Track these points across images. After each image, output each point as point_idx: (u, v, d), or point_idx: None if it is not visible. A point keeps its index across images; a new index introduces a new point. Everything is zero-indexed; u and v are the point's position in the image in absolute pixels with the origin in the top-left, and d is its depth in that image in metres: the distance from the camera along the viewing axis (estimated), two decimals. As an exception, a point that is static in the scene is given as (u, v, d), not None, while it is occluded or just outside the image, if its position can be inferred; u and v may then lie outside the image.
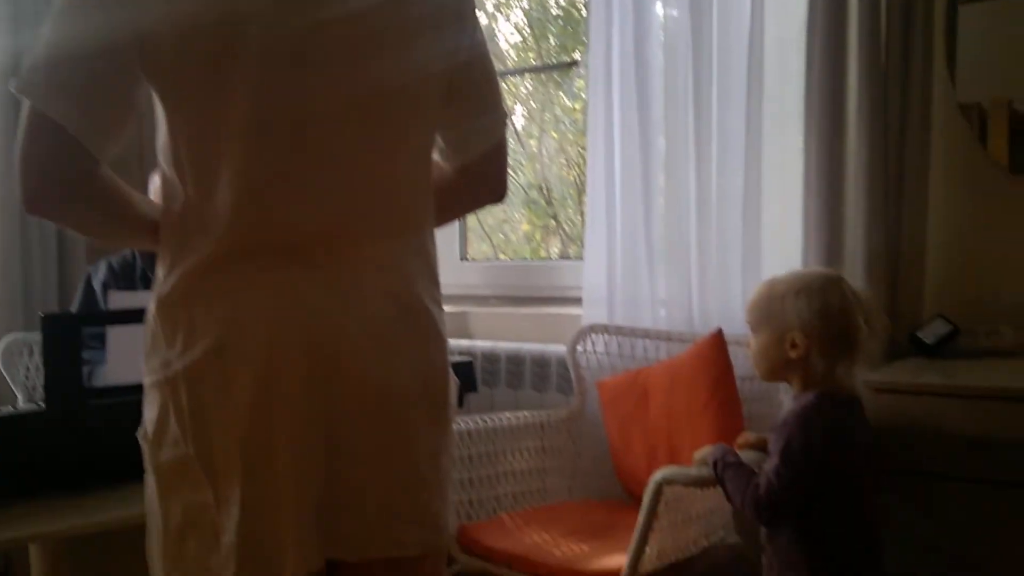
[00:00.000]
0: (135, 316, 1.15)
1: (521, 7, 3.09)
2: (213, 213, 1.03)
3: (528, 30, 3.09)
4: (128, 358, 1.71)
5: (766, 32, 2.14)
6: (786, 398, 1.87)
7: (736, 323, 2.02)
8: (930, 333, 1.92)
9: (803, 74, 2.03)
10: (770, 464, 1.48)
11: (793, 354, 1.53)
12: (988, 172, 2.04)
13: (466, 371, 2.21)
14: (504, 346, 2.55)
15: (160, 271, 1.08)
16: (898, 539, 1.66)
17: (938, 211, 2.05)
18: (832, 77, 1.99)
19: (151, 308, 1.07)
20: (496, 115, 1.24)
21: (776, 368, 1.58)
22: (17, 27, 2.79)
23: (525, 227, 3.19)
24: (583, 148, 2.70)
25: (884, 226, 1.94)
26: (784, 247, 2.12)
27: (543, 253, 3.13)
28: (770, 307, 1.57)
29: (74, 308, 2.48)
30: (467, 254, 3.08)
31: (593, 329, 2.30)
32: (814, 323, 1.52)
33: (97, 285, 2.44)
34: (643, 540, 1.63)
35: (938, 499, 1.64)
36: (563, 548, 1.85)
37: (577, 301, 2.47)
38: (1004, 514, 1.57)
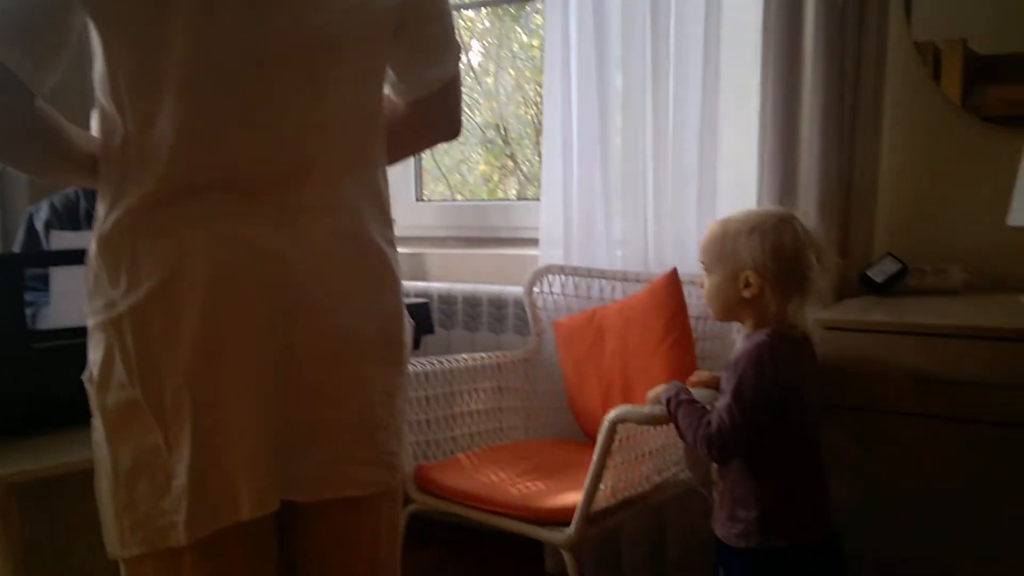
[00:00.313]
0: (79, 256, 1.12)
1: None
2: (154, 148, 0.99)
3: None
4: (73, 299, 1.67)
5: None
6: (739, 337, 1.90)
7: (691, 262, 2.03)
8: (879, 272, 1.95)
9: (760, 10, 2.02)
10: (722, 402, 1.51)
11: (747, 293, 1.54)
12: (941, 111, 2.06)
13: (422, 313, 2.20)
14: (461, 287, 2.54)
15: (101, 208, 1.04)
16: (843, 472, 1.70)
17: (891, 150, 2.07)
18: (789, 14, 1.97)
19: (92, 247, 1.04)
20: (449, 49, 1.21)
21: (730, 307, 1.59)
22: None
23: (482, 167, 3.15)
24: (540, 86, 2.66)
25: (837, 164, 1.95)
26: (739, 186, 2.13)
27: (500, 194, 3.11)
28: (723, 246, 1.58)
29: (16, 249, 2.41)
30: (423, 195, 3.04)
31: (549, 270, 2.30)
32: (767, 262, 1.53)
33: (39, 225, 2.38)
34: (597, 478, 1.65)
35: (882, 433, 1.68)
36: (519, 487, 1.88)
37: (534, 242, 2.46)
38: (945, 447, 1.62)
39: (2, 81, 0.95)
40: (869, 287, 1.95)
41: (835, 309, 1.84)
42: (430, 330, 2.27)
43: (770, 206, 1.85)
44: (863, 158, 1.97)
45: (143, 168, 1.00)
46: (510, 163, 3.07)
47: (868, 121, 1.98)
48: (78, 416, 1.10)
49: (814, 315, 1.73)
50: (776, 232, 1.54)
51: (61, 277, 1.85)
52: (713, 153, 2.16)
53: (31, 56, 0.96)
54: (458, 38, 1.23)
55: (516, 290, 2.39)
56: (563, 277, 2.30)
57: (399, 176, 2.88)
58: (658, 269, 2.18)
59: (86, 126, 2.15)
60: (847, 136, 1.96)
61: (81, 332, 1.08)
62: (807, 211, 1.91)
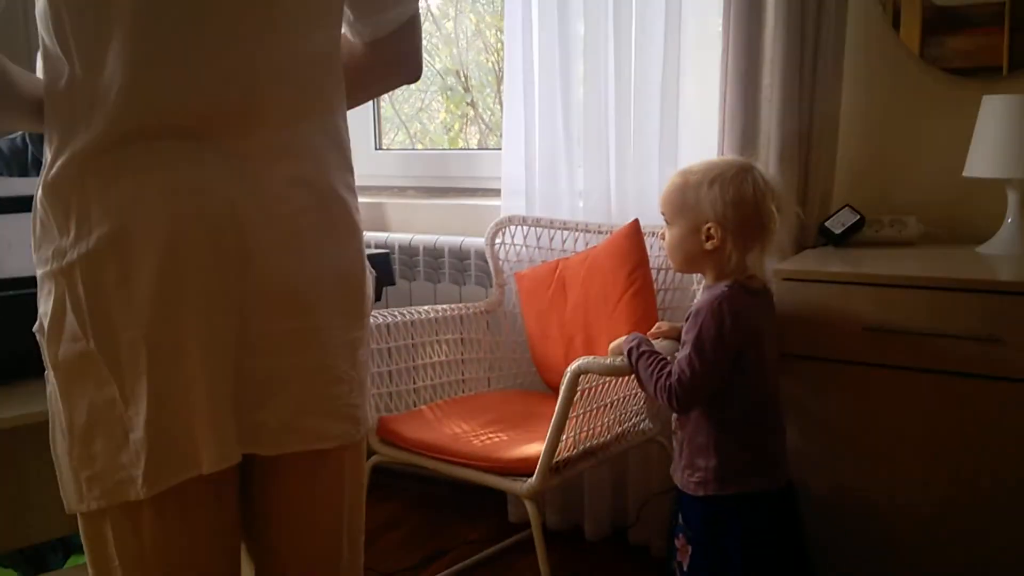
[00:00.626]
0: (27, 204, 1.08)
1: None
2: (102, 89, 0.95)
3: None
4: (21, 248, 1.63)
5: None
6: (700, 288, 1.91)
7: (653, 214, 2.03)
8: (837, 222, 1.97)
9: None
10: (682, 353, 1.52)
11: (708, 245, 1.55)
12: (900, 61, 2.06)
13: (383, 264, 2.18)
14: (422, 238, 2.52)
15: (47, 153, 0.99)
16: (798, 420, 1.74)
17: (851, 100, 2.07)
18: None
19: (38, 194, 0.99)
20: None
21: (691, 259, 1.60)
22: None
23: (443, 116, 3.11)
24: (501, 31, 2.62)
25: (798, 114, 1.95)
26: (701, 136, 2.12)
27: (461, 143, 3.07)
28: (684, 198, 1.58)
29: None
30: (382, 143, 3.00)
31: (511, 221, 2.28)
32: (728, 213, 1.53)
33: None
34: (559, 430, 1.67)
35: (837, 382, 1.71)
36: (482, 438, 1.89)
37: (496, 192, 2.45)
38: (898, 395, 1.66)
39: None
40: (827, 238, 1.97)
41: (793, 260, 1.86)
42: (391, 281, 2.26)
43: (731, 156, 1.85)
44: (822, 108, 1.98)
45: (91, 111, 0.96)
46: (471, 111, 3.03)
47: (828, 71, 1.97)
48: (32, 368, 1.07)
49: (773, 266, 1.76)
50: (737, 183, 1.54)
51: (9, 226, 1.80)
52: (675, 103, 2.15)
53: None
54: None
55: (478, 241, 2.37)
56: (525, 228, 2.30)
57: (357, 124, 2.83)
58: (621, 221, 2.18)
59: (30, 68, 2.08)
60: (807, 86, 1.96)
61: (31, 282, 1.04)
62: (767, 161, 1.92)
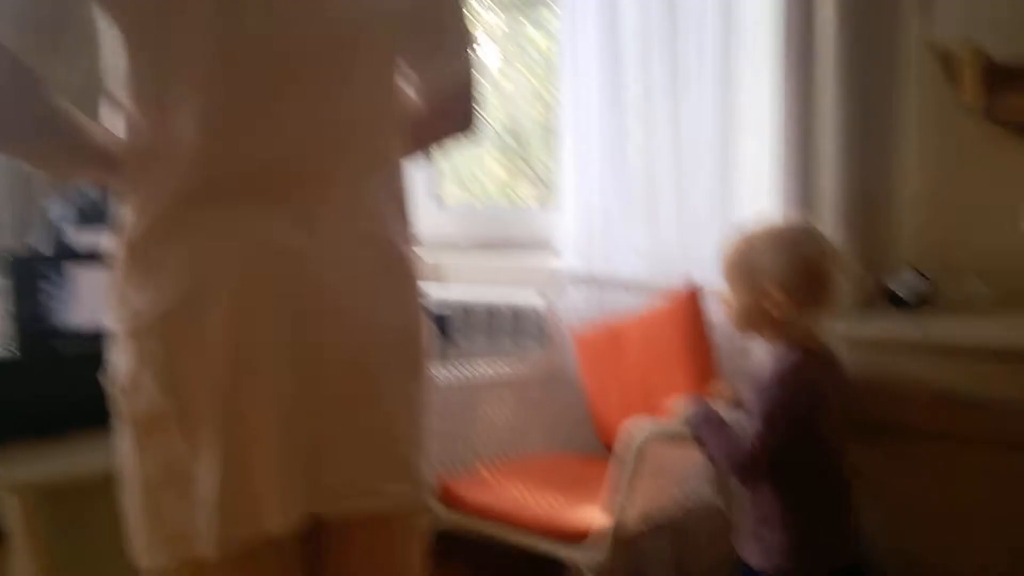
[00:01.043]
0: (96, 256, 1.12)
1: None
2: (177, 147, 0.99)
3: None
4: (91, 300, 1.68)
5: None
6: (760, 350, 1.88)
7: (711, 272, 2.01)
8: (902, 285, 1.93)
9: (776, 16, 2.00)
10: (753, 427, 1.49)
11: (769, 307, 1.53)
12: (960, 116, 2.03)
13: (441, 320, 2.19)
14: (479, 294, 2.53)
15: (124, 212, 1.03)
16: (867, 492, 1.69)
17: (910, 158, 2.04)
18: (804, 20, 1.96)
19: (117, 251, 1.03)
20: (464, 42, 1.20)
21: (753, 322, 1.58)
22: None
23: (497, 170, 3.15)
24: (557, 89, 2.65)
25: (856, 171, 1.93)
26: (758, 194, 2.11)
27: (516, 198, 3.10)
28: (744, 260, 1.57)
29: (38, 247, 2.41)
30: (440, 198, 3.04)
31: (568, 278, 2.29)
32: (790, 276, 1.51)
33: (58, 222, 2.38)
34: (620, 496, 1.64)
35: (907, 453, 1.67)
36: (542, 502, 1.86)
37: (553, 248, 2.46)
38: (972, 470, 1.60)
39: (15, 74, 0.95)
40: (892, 301, 1.93)
41: (859, 324, 1.82)
42: (449, 338, 2.27)
43: (790, 218, 1.84)
44: (882, 167, 1.95)
45: (166, 169, 1.00)
46: (525, 167, 3.06)
47: (886, 130, 1.96)
48: (101, 419, 1.09)
49: (838, 330, 1.73)
50: (798, 245, 1.53)
51: (82, 276, 1.86)
52: (731, 161, 2.14)
53: (43, 44, 0.96)
54: (472, 34, 1.22)
55: (535, 298, 2.37)
56: (582, 285, 2.29)
57: (415, 179, 2.87)
58: (678, 278, 2.16)
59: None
60: (865, 146, 1.95)
61: (100, 335, 1.07)
62: (827, 222, 1.90)
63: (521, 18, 2.98)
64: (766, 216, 1.86)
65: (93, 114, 1.06)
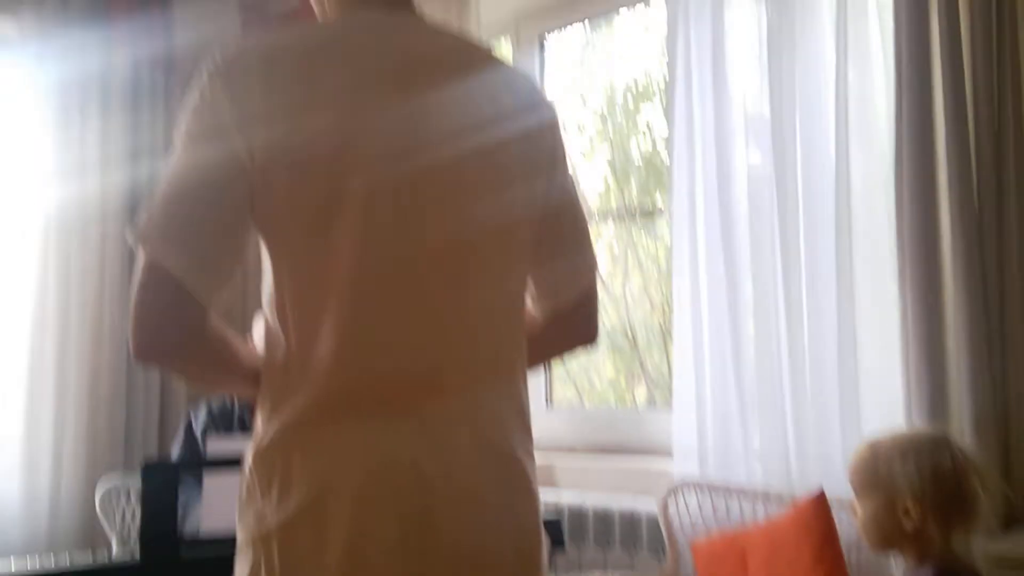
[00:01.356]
0: (232, 463, 1.15)
1: (605, 155, 3.15)
2: (314, 363, 1.03)
3: (611, 176, 3.14)
4: (224, 506, 1.71)
5: (852, 174, 2.11)
6: (898, 571, 1.74)
7: (837, 481, 1.91)
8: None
9: (893, 219, 1.98)
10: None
11: (906, 524, 1.43)
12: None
13: (554, 527, 2.13)
14: (592, 500, 2.46)
15: (259, 420, 1.07)
16: None
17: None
18: (923, 220, 1.93)
19: (248, 459, 1.06)
20: (586, 261, 1.24)
21: (888, 538, 1.47)
22: (136, 159, 2.95)
23: (610, 372, 3.14)
24: (668, 292, 2.67)
25: (990, 379, 1.83)
26: (885, 398, 2.02)
27: (628, 399, 3.06)
28: (876, 471, 1.48)
29: (174, 451, 2.52)
30: (552, 400, 3.03)
31: (685, 485, 2.20)
32: (926, 488, 1.43)
33: (197, 429, 2.49)
34: None
35: None
36: None
37: (667, 453, 2.39)
38: None
39: (180, 299, 1.00)
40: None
41: (1005, 541, 1.67)
42: (562, 546, 2.19)
43: (922, 426, 1.75)
44: (1018, 373, 1.84)
45: (301, 382, 1.03)
46: (638, 368, 3.05)
47: (1018, 334, 1.86)
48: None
49: (980, 548, 1.58)
50: (932, 456, 1.45)
51: (214, 483, 1.92)
52: (853, 364, 2.07)
53: (209, 276, 1.02)
54: (594, 250, 1.25)
55: (650, 505, 2.29)
56: (700, 493, 2.20)
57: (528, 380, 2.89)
58: (802, 487, 2.06)
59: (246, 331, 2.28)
60: (997, 351, 1.85)
61: (229, 542, 1.08)
62: (962, 430, 1.79)
63: (632, 225, 3.06)
64: (894, 424, 1.77)
65: (238, 327, 1.12)
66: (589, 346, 1.29)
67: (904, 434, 1.53)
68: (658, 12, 2.84)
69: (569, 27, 3.04)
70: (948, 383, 1.85)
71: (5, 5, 2.84)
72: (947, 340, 1.87)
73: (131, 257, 2.82)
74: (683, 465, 2.30)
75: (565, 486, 2.63)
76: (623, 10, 2.92)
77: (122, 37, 2.92)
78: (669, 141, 2.48)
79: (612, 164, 3.12)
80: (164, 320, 1.02)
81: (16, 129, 2.83)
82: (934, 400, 1.85)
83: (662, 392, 2.91)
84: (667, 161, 2.54)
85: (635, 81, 3.05)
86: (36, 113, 2.84)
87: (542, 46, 3.06)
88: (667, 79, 2.52)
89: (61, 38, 2.84)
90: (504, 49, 3.08)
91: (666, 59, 2.54)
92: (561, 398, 3.10)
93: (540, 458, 1.17)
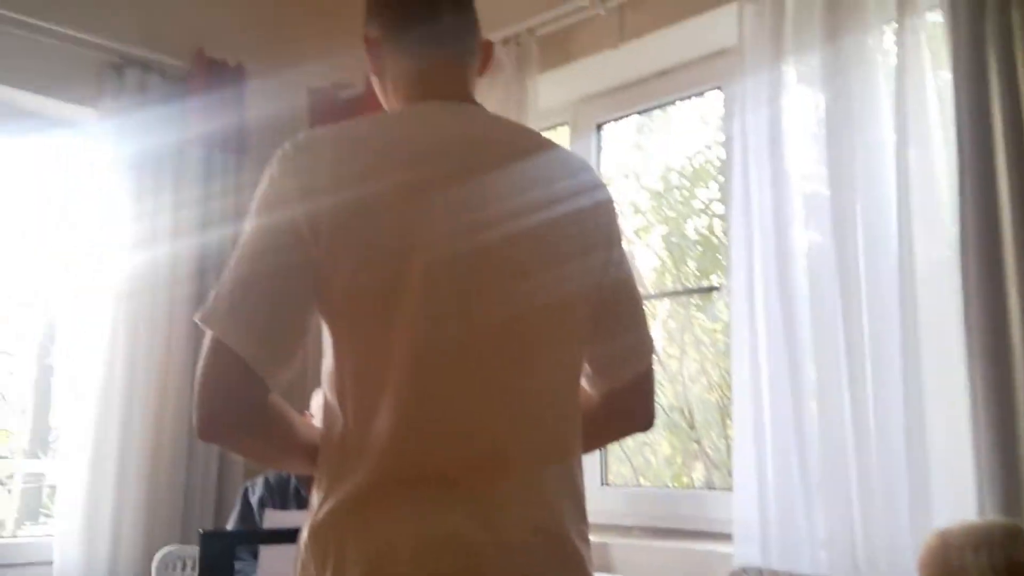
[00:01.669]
0: (287, 536, 1.16)
1: (660, 233, 3.17)
2: (371, 441, 1.04)
3: (666, 253, 3.15)
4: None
5: (916, 254, 2.08)
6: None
7: (906, 571, 1.84)
8: None
9: (960, 304, 1.95)
10: None
11: (980, 619, 1.37)
12: None
13: (608, 612, 2.08)
14: (648, 583, 2.41)
15: (315, 497, 1.08)
16: None
17: None
18: (991, 302, 1.89)
19: (303, 534, 1.07)
20: (643, 341, 1.24)
21: (961, 634, 1.41)
22: (205, 230, 3.05)
23: (666, 450, 3.09)
24: (725, 370, 2.64)
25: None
26: (956, 486, 1.95)
27: (685, 478, 3.01)
28: (947, 563, 1.44)
29: (231, 522, 2.55)
30: (607, 478, 2.99)
31: (747, 572, 2.14)
32: (997, 582, 1.37)
33: (254, 500, 2.52)
34: None
35: None
36: None
37: (726, 536, 2.33)
38: None
39: (245, 378, 1.03)
40: None
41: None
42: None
43: (994, 517, 1.68)
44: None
45: (358, 460, 1.05)
46: (694, 446, 3.00)
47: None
48: None
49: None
50: (1006, 548, 1.41)
51: (269, 556, 1.93)
52: (922, 450, 2.01)
53: (273, 356, 1.04)
54: (650, 331, 1.25)
55: (708, 590, 2.23)
56: (760, 578, 2.14)
57: (583, 457, 2.86)
58: (869, 575, 1.98)
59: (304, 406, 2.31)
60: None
61: None
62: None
63: (689, 304, 3.06)
64: (965, 515, 1.71)
65: (298, 405, 1.15)
66: (644, 430, 1.28)
67: (976, 524, 1.49)
68: (714, 102, 2.87)
69: (625, 118, 3.09)
70: (1022, 471, 1.79)
71: (87, 99, 3.00)
72: (1020, 426, 1.81)
73: (196, 329, 2.90)
74: (744, 550, 2.24)
75: (620, 569, 2.57)
76: (679, 102, 2.96)
77: (196, 118, 3.05)
78: (727, 219, 2.48)
79: (667, 241, 3.14)
80: (229, 398, 1.04)
81: (95, 202, 2.95)
82: (1008, 489, 1.78)
83: (720, 473, 2.85)
84: (724, 239, 2.54)
85: (690, 161, 3.08)
86: (114, 188, 2.96)
87: (599, 131, 3.12)
88: (723, 159, 2.54)
89: (139, 120, 2.99)
90: (561, 135, 3.14)
91: (723, 139, 2.57)
92: (616, 476, 3.06)
93: (595, 537, 1.16)
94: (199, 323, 1.05)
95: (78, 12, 2.95)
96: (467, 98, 1.23)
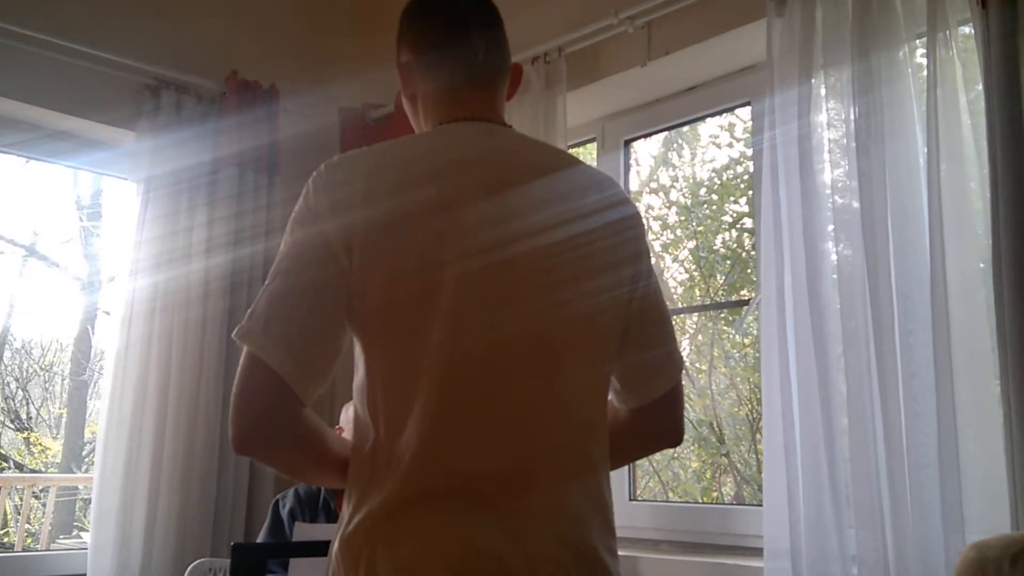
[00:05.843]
0: (317, 548, 1.18)
1: (688, 246, 3.17)
2: (400, 454, 1.06)
3: (695, 268, 3.15)
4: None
5: (948, 268, 2.07)
6: None
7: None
8: None
9: (991, 320, 1.93)
10: None
11: (1017, 635, 1.35)
12: None
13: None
14: (678, 598, 2.40)
15: (346, 509, 1.10)
16: None
17: None
18: (1024, 316, 1.88)
19: (335, 545, 1.09)
20: (671, 356, 1.25)
21: (999, 650, 1.39)
22: (237, 247, 3.09)
23: (695, 464, 3.08)
24: (755, 384, 2.63)
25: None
26: (990, 501, 1.93)
27: (714, 493, 3.00)
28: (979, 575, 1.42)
29: (262, 535, 2.57)
30: (636, 493, 2.99)
31: (776, 586, 2.13)
32: (1037, 598, 1.35)
33: (284, 513, 2.54)
34: None
35: None
36: None
37: (757, 552, 2.32)
38: None
39: (280, 392, 1.05)
40: None
41: None
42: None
43: (1032, 530, 1.66)
44: None
45: (387, 473, 1.06)
46: (724, 461, 2.99)
47: None
48: None
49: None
50: (1043, 562, 1.37)
51: (299, 568, 1.95)
52: (955, 465, 1.98)
53: (307, 371, 1.06)
54: (679, 346, 1.26)
55: (739, 605, 2.21)
56: (792, 594, 2.12)
57: (612, 472, 2.85)
58: (901, 591, 1.97)
59: (334, 418, 2.33)
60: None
61: None
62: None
63: (718, 318, 3.05)
64: (999, 531, 1.69)
65: (329, 420, 1.17)
66: (673, 446, 1.29)
67: (1014, 536, 1.46)
68: (742, 117, 2.88)
69: (654, 136, 3.11)
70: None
71: (125, 121, 3.07)
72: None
73: (228, 344, 2.94)
74: (774, 565, 2.23)
75: (650, 584, 2.56)
76: (708, 118, 2.97)
77: (230, 138, 3.11)
78: (756, 233, 2.48)
79: (696, 255, 3.14)
80: (264, 413, 1.06)
81: (130, 219, 3.01)
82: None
83: (750, 487, 2.84)
84: (753, 253, 2.54)
85: (719, 175, 3.09)
86: (149, 206, 3.02)
87: (627, 147, 3.13)
88: (752, 172, 2.54)
89: (174, 140, 3.04)
90: (589, 151, 3.15)
91: (751, 153, 2.57)
92: (644, 489, 3.05)
93: (623, 551, 1.16)
94: (236, 340, 1.07)
95: (116, 37, 3.02)
96: (496, 119, 1.24)
